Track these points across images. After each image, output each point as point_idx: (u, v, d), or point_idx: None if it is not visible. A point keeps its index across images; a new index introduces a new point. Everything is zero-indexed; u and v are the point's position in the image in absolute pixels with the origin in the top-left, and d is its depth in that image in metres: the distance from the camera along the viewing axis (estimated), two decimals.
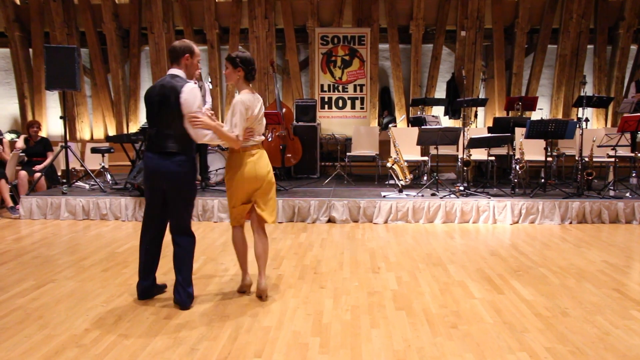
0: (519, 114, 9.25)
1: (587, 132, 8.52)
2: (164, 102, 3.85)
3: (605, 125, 11.06)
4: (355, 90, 10.83)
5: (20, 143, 8.60)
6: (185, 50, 3.96)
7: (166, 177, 3.91)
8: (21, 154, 8.50)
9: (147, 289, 4.21)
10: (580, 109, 8.17)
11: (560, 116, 11.10)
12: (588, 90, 10.62)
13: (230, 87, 11.37)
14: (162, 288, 4.36)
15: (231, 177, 4.09)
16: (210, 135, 3.89)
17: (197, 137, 3.90)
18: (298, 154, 9.29)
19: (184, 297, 3.99)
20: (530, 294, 4.30)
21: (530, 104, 9.54)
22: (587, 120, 8.30)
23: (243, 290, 4.36)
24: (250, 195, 4.15)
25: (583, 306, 4.04)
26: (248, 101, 3.99)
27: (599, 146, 7.88)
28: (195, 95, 3.86)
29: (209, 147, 8.37)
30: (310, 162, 9.56)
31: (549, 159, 7.95)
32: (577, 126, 7.65)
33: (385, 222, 7.13)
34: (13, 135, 11.34)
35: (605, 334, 3.52)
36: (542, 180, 7.83)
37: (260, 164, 4.10)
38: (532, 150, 8.31)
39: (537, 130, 7.27)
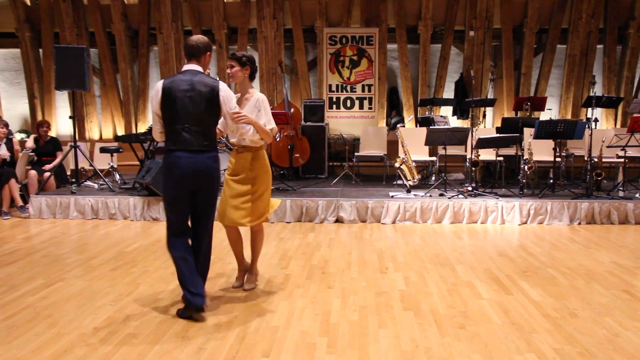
0: (528, 114, 9.21)
1: (597, 132, 8.46)
2: (200, 99, 3.74)
3: (615, 125, 11.00)
4: (363, 91, 10.82)
5: (30, 143, 8.65)
6: (208, 48, 3.89)
7: (203, 174, 3.81)
8: (31, 154, 8.55)
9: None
10: (590, 109, 8.12)
11: (569, 116, 11.04)
12: (597, 90, 10.55)
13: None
14: None
15: (266, 171, 4.24)
16: (252, 131, 3.95)
17: (241, 133, 3.95)
18: (306, 154, 9.29)
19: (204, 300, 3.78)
20: (539, 295, 4.28)
21: (539, 104, 9.50)
22: (596, 120, 8.24)
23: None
24: None
25: (592, 307, 4.02)
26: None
27: (608, 146, 7.83)
28: (231, 92, 3.89)
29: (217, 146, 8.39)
30: (318, 162, 9.57)
31: (558, 159, 7.91)
32: (587, 126, 7.61)
33: (393, 222, 7.12)
34: (23, 135, 11.41)
35: (615, 336, 3.50)
36: (551, 181, 7.79)
37: None
38: (541, 151, 8.28)
39: (546, 130, 7.24)
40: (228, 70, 4.16)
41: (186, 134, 3.74)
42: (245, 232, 4.46)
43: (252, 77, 4.19)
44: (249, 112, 4.04)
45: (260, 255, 4.59)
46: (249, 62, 4.09)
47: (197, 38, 3.88)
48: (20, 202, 7.78)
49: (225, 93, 3.82)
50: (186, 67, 3.86)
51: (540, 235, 6.47)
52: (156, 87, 3.79)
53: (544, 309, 3.98)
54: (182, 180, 3.76)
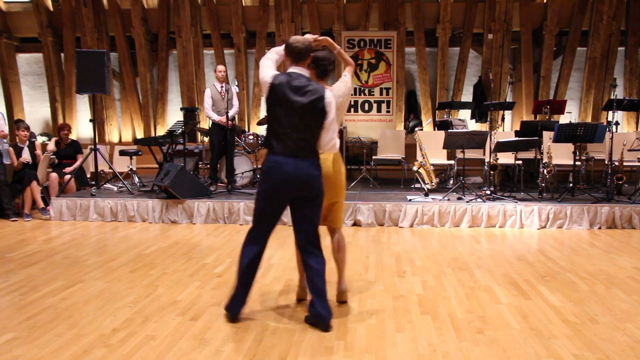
0: (547, 117, 9.14)
1: (617, 135, 8.36)
2: (311, 106, 3.58)
3: (637, 129, 10.88)
4: (381, 94, 10.81)
5: (51, 146, 8.77)
6: (310, 51, 3.76)
7: (308, 182, 3.62)
8: (52, 157, 8.67)
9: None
10: (610, 113, 8.03)
11: (589, 120, 10.94)
12: (618, 93, 10.44)
13: (257, 91, 11.45)
14: None
15: (340, 172, 4.03)
16: (337, 141, 3.73)
17: (332, 143, 3.69)
18: None
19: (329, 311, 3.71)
20: (558, 300, 4.24)
21: (559, 107, 9.41)
22: (617, 123, 8.16)
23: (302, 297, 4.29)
24: None
25: (613, 313, 3.97)
26: None
27: (629, 150, 7.74)
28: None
29: (236, 150, 8.45)
30: None
31: (578, 163, 7.84)
32: (607, 130, 7.52)
33: (411, 225, 7.09)
34: (44, 138, 11.57)
35: (636, 342, 3.45)
36: (571, 185, 7.71)
37: None
38: (561, 154, 8.20)
39: (565, 134, 7.17)
40: None
41: (291, 138, 3.64)
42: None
43: (321, 76, 4.01)
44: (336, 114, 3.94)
45: (278, 258, 4.58)
46: (312, 63, 3.95)
47: (298, 39, 3.74)
48: (41, 204, 7.89)
49: (331, 100, 3.67)
50: (293, 69, 3.73)
51: (560, 239, 6.40)
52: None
53: (563, 314, 3.93)
54: (279, 185, 3.68)
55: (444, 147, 7.77)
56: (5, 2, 11.86)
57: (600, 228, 6.96)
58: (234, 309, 3.82)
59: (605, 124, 7.86)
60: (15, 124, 9.27)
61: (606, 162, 7.77)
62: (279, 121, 3.61)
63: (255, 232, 3.79)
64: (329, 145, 3.68)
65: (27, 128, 8.35)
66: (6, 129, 7.91)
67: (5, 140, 8.02)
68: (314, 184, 3.64)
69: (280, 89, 3.59)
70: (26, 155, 8.07)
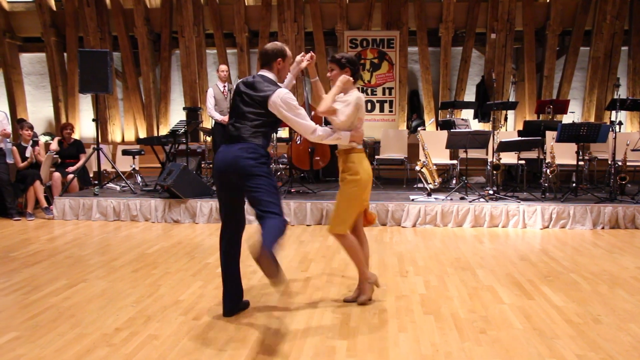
0: (550, 117, 9.12)
1: (621, 135, 8.33)
2: (256, 98, 3.78)
3: None
4: (384, 94, 10.80)
5: (54, 145, 8.78)
6: (278, 55, 3.83)
7: (236, 165, 3.72)
8: (55, 156, 8.68)
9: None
10: (614, 112, 8.01)
11: (592, 119, 10.92)
12: (622, 92, 10.40)
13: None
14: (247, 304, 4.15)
15: (351, 180, 4.09)
16: (322, 131, 3.96)
17: (316, 135, 3.92)
18: (326, 156, 9.28)
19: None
20: (561, 300, 4.23)
21: (562, 107, 9.39)
22: (620, 123, 8.11)
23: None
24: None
25: (616, 313, 3.96)
26: (361, 100, 4.00)
27: (632, 150, 7.72)
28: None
29: None
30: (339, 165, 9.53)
31: (581, 163, 7.82)
32: (610, 129, 7.51)
33: (414, 225, 7.09)
34: (47, 138, 11.59)
35: None
36: (574, 185, 7.70)
37: None
38: (563, 154, 8.19)
39: (568, 133, 7.16)
40: (328, 74, 4.09)
41: None
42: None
43: (355, 78, 4.05)
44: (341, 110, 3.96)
45: (281, 257, 4.55)
46: (348, 64, 3.99)
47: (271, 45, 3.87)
48: (44, 204, 7.90)
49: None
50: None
51: (563, 239, 6.39)
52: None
53: (566, 314, 3.93)
54: None
55: (446, 147, 7.76)
56: (8, 2, 11.88)
57: (603, 228, 6.95)
58: (225, 305, 3.89)
59: (608, 123, 7.83)
60: (19, 123, 9.30)
61: (609, 162, 7.75)
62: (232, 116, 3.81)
63: (222, 226, 3.89)
64: (312, 136, 3.83)
65: (31, 127, 8.38)
66: (9, 129, 7.92)
67: (8, 140, 8.04)
68: (242, 166, 3.59)
69: (238, 87, 3.83)
70: (32, 154, 8.11)
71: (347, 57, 4.02)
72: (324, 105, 3.90)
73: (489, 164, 8.20)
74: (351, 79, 4.01)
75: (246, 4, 11.32)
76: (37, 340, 3.47)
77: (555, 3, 10.62)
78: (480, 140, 7.53)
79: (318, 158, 9.21)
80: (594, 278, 4.83)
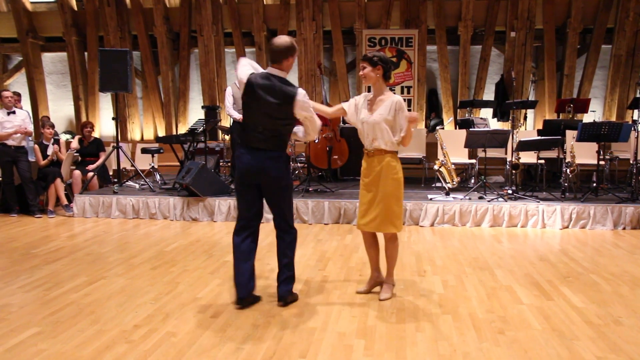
0: (570, 116, 9.02)
1: None
2: (278, 106, 3.95)
3: None
4: (402, 92, 10.76)
5: (74, 143, 8.89)
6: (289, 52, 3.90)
7: (263, 171, 4.00)
8: (75, 154, 8.78)
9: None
10: (636, 111, 7.91)
11: (614, 118, 10.78)
12: None
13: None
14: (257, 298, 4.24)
15: (394, 178, 4.17)
16: (301, 133, 4.31)
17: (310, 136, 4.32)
18: (344, 155, 9.27)
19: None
20: (581, 301, 4.18)
21: (582, 106, 9.28)
22: None
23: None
24: None
25: (637, 315, 3.90)
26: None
27: None
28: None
29: None
30: (357, 164, 9.37)
31: (602, 162, 7.72)
32: (632, 129, 7.41)
33: (432, 225, 7.06)
34: (68, 136, 11.73)
35: None
36: (594, 185, 7.61)
37: None
38: (584, 154, 8.09)
39: (589, 133, 7.08)
40: (360, 73, 4.12)
41: None
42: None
43: (386, 78, 4.09)
44: (383, 114, 4.00)
45: (297, 256, 4.59)
46: (380, 62, 4.00)
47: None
48: (65, 201, 8.00)
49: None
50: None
51: (583, 240, 6.32)
52: None
53: (586, 315, 3.88)
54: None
55: (465, 146, 7.72)
56: (31, 3, 12.04)
57: (624, 229, 6.86)
58: (238, 293, 4.02)
59: (630, 122, 7.72)
60: (41, 121, 9.42)
61: (631, 162, 7.65)
62: (251, 116, 3.91)
63: (237, 221, 4.10)
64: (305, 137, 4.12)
65: (52, 126, 8.48)
66: (31, 127, 8.03)
67: (30, 138, 8.14)
68: (269, 172, 3.89)
69: (253, 87, 3.84)
70: (53, 151, 8.22)
71: (379, 56, 4.03)
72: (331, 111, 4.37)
73: (508, 163, 8.13)
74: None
75: (265, 3, 11.35)
76: (58, 336, 3.52)
77: (577, 1, 10.50)
78: (499, 139, 7.48)
79: (336, 157, 9.21)
80: (614, 279, 4.77)
